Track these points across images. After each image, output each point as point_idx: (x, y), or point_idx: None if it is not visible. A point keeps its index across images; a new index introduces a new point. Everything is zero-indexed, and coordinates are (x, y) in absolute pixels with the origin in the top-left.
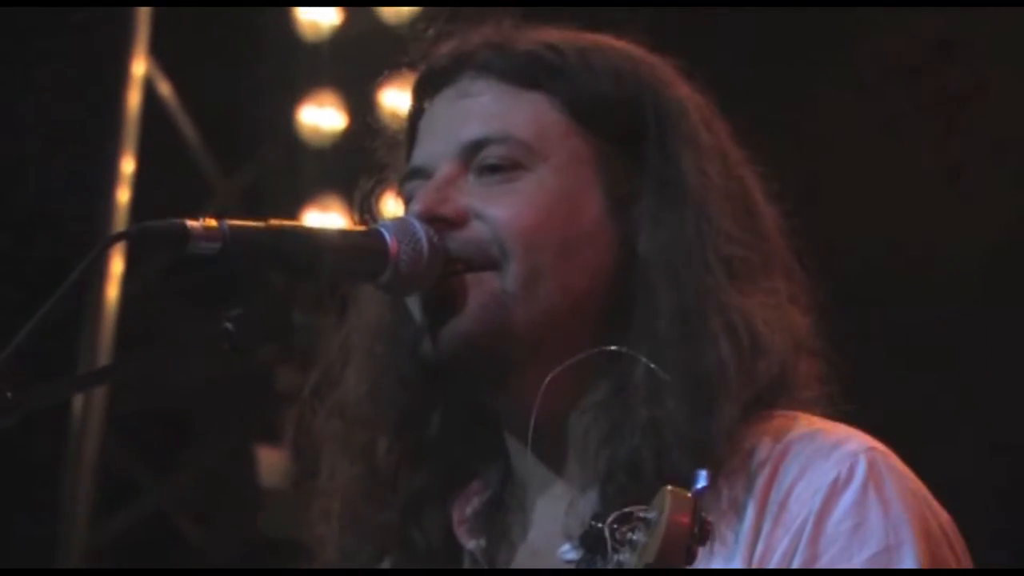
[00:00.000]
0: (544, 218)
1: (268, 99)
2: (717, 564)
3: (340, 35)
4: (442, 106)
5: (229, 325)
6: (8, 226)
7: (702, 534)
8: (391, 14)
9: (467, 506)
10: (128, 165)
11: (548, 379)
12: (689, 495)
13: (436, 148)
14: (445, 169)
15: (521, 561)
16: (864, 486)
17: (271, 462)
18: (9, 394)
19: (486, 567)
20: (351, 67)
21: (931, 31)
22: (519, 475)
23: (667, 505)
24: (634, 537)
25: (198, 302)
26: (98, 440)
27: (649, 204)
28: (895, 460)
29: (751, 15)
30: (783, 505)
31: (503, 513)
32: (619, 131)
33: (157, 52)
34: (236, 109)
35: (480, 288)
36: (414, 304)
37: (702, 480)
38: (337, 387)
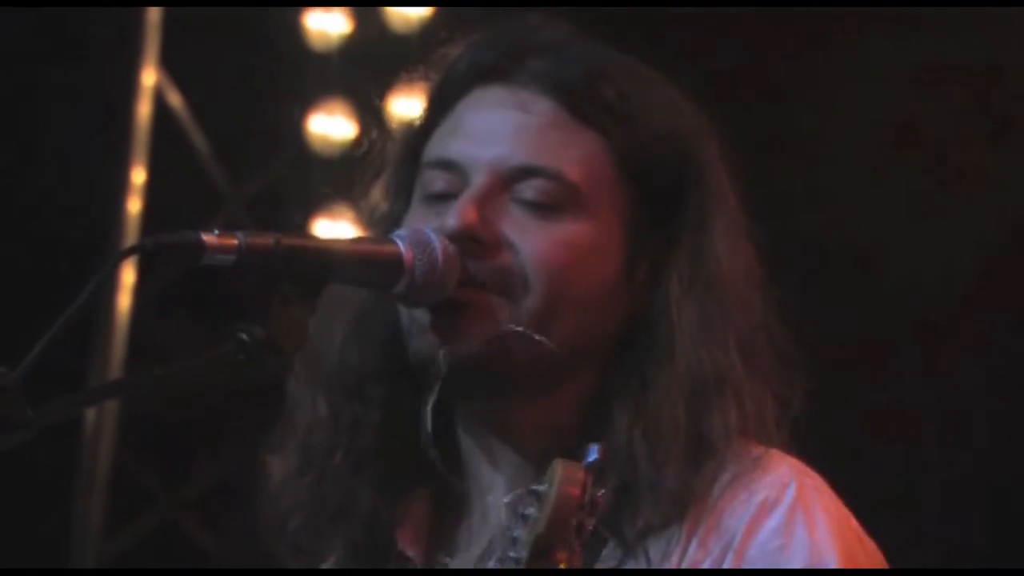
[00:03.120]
0: (574, 264)
1: (278, 108)
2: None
3: (349, 44)
4: (492, 107)
5: (244, 336)
6: (19, 236)
7: (592, 506)
8: (400, 22)
9: (412, 511)
10: (138, 175)
11: (521, 405)
12: (581, 467)
13: (477, 151)
14: (484, 182)
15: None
16: (791, 509)
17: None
18: (28, 409)
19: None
20: (360, 76)
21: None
22: (472, 481)
23: (557, 477)
24: (528, 512)
25: (208, 314)
26: (111, 450)
27: (677, 273)
28: (825, 488)
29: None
30: (711, 526)
31: (449, 520)
32: (658, 190)
33: (167, 62)
34: (246, 119)
35: (491, 314)
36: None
37: (593, 454)
38: (310, 363)
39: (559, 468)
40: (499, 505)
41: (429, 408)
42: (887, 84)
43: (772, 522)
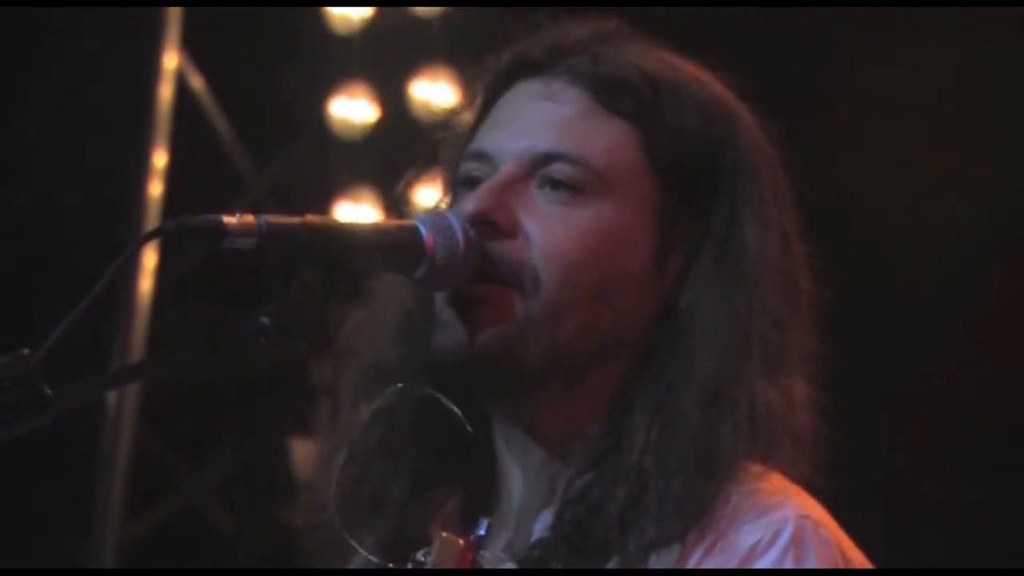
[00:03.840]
0: (589, 255)
1: (299, 92)
2: None
3: (371, 28)
4: (525, 99)
5: (265, 320)
6: (41, 220)
7: None
8: (422, 6)
9: (445, 509)
10: (160, 159)
11: (542, 402)
12: (460, 542)
13: (507, 143)
14: (510, 170)
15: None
16: (784, 552)
17: (305, 454)
18: (48, 392)
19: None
20: (382, 59)
21: None
22: (501, 480)
23: (434, 552)
24: None
25: (231, 298)
26: (132, 434)
27: (705, 268)
28: (827, 530)
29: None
30: (711, 548)
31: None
32: (690, 182)
33: (189, 46)
34: (267, 102)
35: (504, 306)
36: (440, 297)
37: (482, 528)
38: (354, 359)
39: (437, 542)
40: (523, 515)
41: (452, 406)
42: None
43: (763, 562)
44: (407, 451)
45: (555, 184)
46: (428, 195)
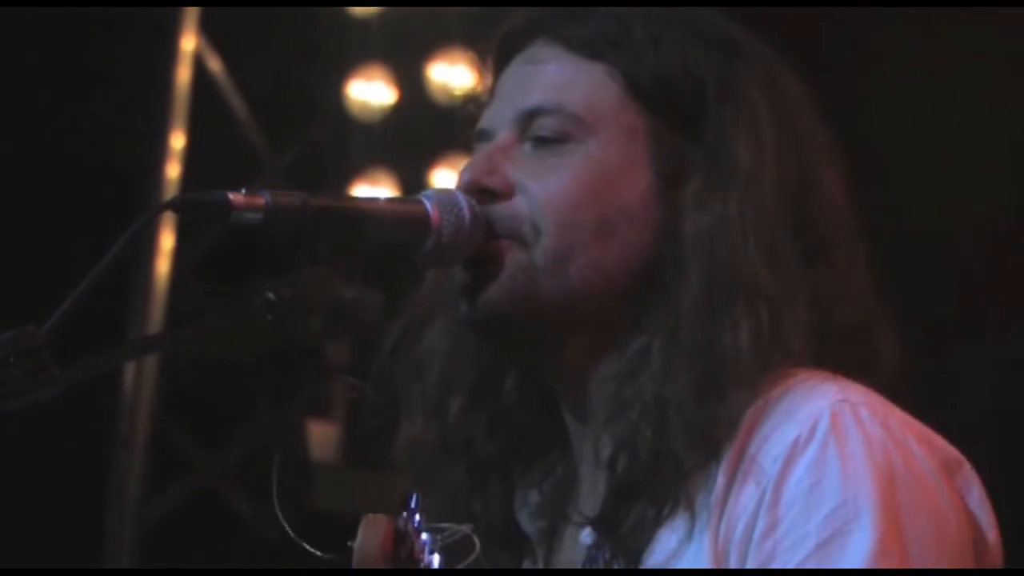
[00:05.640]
0: (584, 195)
1: (317, 74)
2: (676, 537)
3: (389, 10)
4: (512, 71)
5: (272, 296)
6: (60, 201)
7: (408, 552)
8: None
9: (531, 485)
10: (178, 141)
11: (574, 353)
12: (385, 520)
13: (499, 113)
14: (502, 136)
15: (566, 546)
16: (824, 443)
17: (322, 436)
18: (54, 364)
19: (542, 552)
20: (400, 42)
21: None
22: (575, 454)
23: (359, 534)
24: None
25: (248, 279)
26: (149, 416)
27: (697, 185)
28: (869, 409)
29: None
30: (749, 470)
31: (560, 493)
32: (677, 108)
33: (207, 28)
34: (285, 84)
35: (513, 260)
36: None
37: (412, 502)
38: (416, 344)
39: (362, 525)
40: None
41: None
42: None
43: (806, 458)
44: (496, 428)
45: (541, 139)
46: (447, 178)
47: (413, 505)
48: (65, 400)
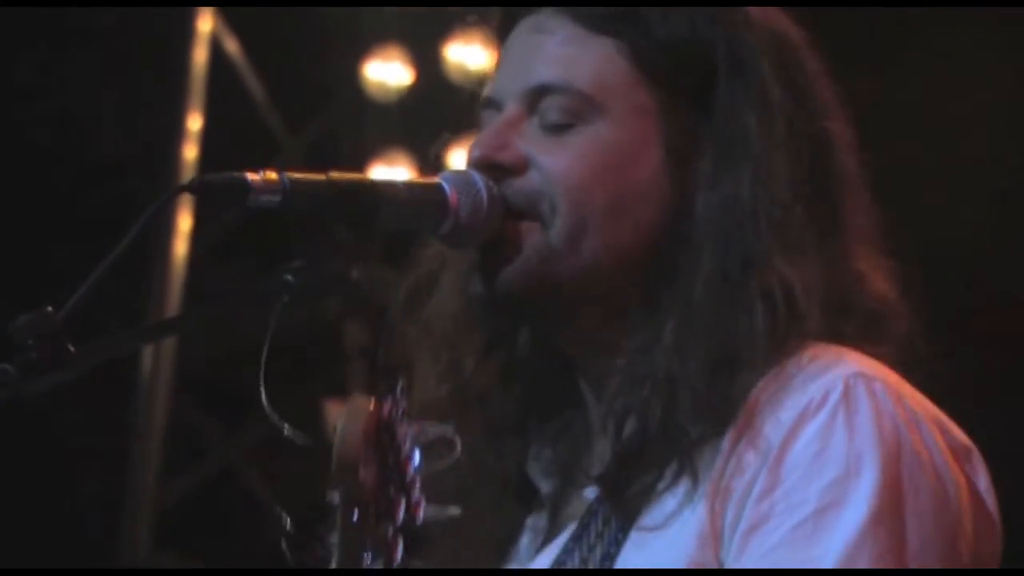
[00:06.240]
0: (596, 174)
1: (334, 55)
2: (676, 500)
3: None
4: (518, 38)
5: (289, 277)
6: (76, 184)
7: (389, 429)
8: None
9: (544, 441)
10: (195, 122)
11: (588, 327)
12: (369, 405)
13: (506, 82)
14: (510, 109)
15: (572, 501)
16: (834, 411)
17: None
18: (71, 347)
19: (550, 506)
20: (416, 22)
21: None
22: (590, 415)
23: (342, 417)
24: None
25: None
26: (167, 399)
27: (708, 163)
28: (883, 384)
29: None
30: (758, 431)
31: (573, 452)
32: (686, 84)
33: (224, 9)
34: (302, 65)
35: (529, 239)
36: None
37: (398, 389)
38: (426, 304)
39: (345, 409)
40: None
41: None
42: None
43: (814, 425)
44: (510, 383)
45: (553, 121)
46: (463, 158)
47: (399, 392)
48: (83, 382)
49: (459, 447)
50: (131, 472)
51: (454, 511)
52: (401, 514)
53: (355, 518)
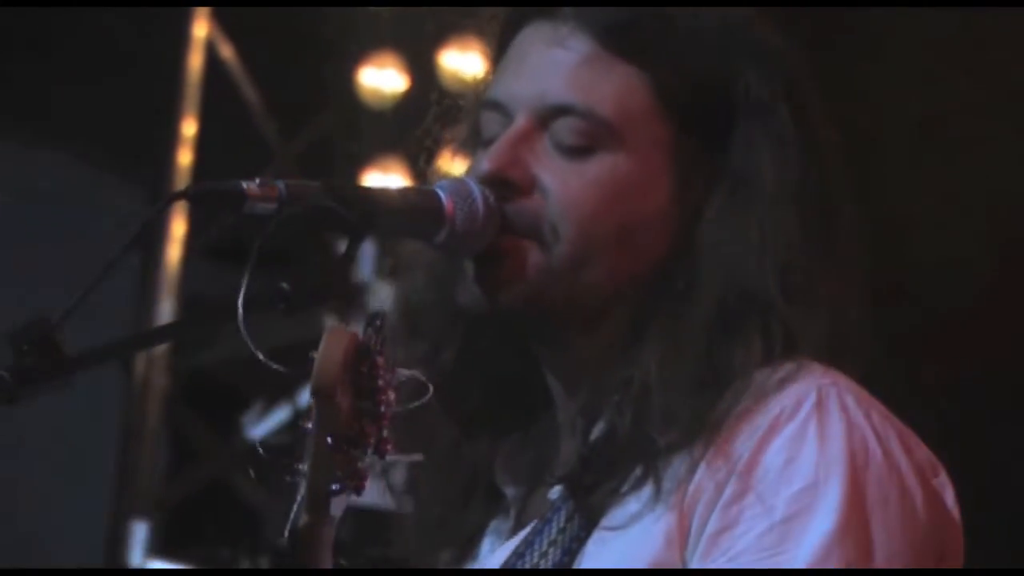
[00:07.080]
0: (608, 203)
1: (329, 61)
2: (640, 503)
3: None
4: (534, 44)
5: (284, 285)
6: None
7: (370, 369)
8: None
9: (514, 440)
10: (190, 128)
11: (572, 343)
12: (349, 333)
13: (519, 91)
14: (522, 122)
15: (537, 501)
16: (805, 421)
17: None
18: (69, 355)
19: (514, 511)
20: (411, 28)
21: None
22: (559, 418)
23: (321, 343)
24: None
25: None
26: (160, 406)
27: (718, 197)
28: (855, 397)
29: None
30: (729, 438)
31: (540, 453)
32: (704, 120)
33: (218, 15)
34: (297, 71)
35: (528, 259)
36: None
37: (378, 320)
38: (404, 299)
39: (324, 335)
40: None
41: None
42: None
43: (785, 433)
44: (480, 381)
45: (569, 144)
46: (454, 163)
47: (378, 324)
48: (78, 388)
49: (431, 390)
50: (124, 480)
51: (417, 457)
52: (372, 445)
53: (329, 443)
